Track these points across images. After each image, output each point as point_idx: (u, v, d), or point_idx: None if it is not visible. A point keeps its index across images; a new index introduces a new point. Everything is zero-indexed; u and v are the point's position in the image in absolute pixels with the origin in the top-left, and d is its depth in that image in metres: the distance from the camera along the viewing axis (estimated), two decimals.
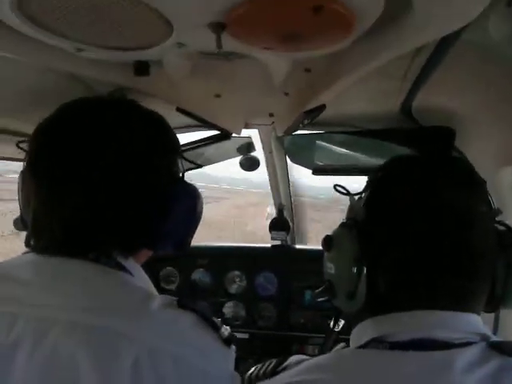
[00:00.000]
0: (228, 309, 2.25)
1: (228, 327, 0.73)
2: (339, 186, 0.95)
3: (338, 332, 1.66)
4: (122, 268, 0.73)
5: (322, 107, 1.08)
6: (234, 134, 1.61)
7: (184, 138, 1.72)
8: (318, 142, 1.56)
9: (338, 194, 0.91)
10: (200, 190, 0.87)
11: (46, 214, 0.72)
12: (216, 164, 2.08)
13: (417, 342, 0.67)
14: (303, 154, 1.67)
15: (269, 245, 2.28)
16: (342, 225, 0.85)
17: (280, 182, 2.08)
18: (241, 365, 1.59)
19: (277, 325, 2.19)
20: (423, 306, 0.70)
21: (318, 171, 1.67)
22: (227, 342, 0.70)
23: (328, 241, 0.89)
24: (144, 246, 0.80)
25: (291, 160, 1.76)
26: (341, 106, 1.28)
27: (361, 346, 0.74)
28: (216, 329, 0.69)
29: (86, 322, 0.62)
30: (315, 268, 2.17)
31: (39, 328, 0.61)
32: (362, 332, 0.77)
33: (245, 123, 1.56)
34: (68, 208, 0.70)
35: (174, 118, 1.43)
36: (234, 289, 2.26)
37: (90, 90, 0.95)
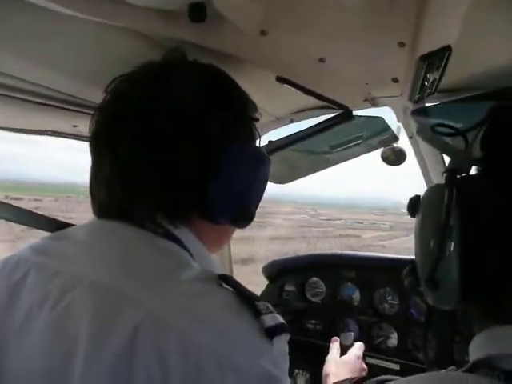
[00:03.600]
0: (376, 332, 1.89)
1: (278, 315, 0.60)
2: (440, 125, 0.68)
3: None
4: (172, 237, 0.68)
5: (446, 49, 0.81)
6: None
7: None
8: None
9: None
10: None
11: (94, 179, 0.75)
12: None
13: None
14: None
15: None
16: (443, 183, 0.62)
17: (432, 174, 1.61)
18: None
19: (436, 359, 1.71)
20: None
21: None
22: (269, 332, 0.58)
23: (413, 203, 0.70)
24: (192, 209, 0.71)
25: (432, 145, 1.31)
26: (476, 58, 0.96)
27: (466, 370, 0.56)
28: (257, 314, 0.59)
29: (104, 283, 0.61)
30: None
31: (66, 285, 0.63)
32: (472, 349, 0.59)
33: (365, 96, 1.25)
34: (109, 169, 0.71)
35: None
36: (385, 309, 1.90)
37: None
